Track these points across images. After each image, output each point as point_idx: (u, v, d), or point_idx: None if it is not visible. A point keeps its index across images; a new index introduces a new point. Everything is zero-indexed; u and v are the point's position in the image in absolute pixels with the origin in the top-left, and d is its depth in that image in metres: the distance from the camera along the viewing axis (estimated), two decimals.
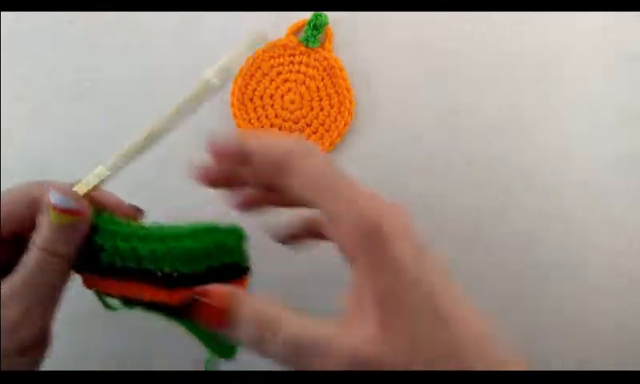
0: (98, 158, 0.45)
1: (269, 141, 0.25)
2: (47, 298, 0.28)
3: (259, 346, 0.23)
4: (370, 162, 0.45)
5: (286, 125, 0.45)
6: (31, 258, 0.27)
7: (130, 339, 0.43)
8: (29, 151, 0.45)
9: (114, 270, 0.29)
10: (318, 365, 0.22)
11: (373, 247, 0.22)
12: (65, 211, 0.27)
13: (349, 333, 0.22)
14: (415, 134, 0.45)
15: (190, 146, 0.45)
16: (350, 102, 0.45)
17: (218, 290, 0.23)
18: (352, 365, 0.21)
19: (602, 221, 0.45)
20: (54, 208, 0.27)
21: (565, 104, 0.46)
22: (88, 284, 0.30)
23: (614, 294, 0.44)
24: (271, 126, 0.45)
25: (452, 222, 0.44)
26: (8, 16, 0.46)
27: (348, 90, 0.45)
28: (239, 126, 0.44)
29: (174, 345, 0.42)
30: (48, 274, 0.27)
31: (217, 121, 0.45)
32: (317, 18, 0.44)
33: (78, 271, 0.30)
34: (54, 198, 0.27)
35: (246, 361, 0.43)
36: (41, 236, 0.27)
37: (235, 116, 0.44)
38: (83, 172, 0.44)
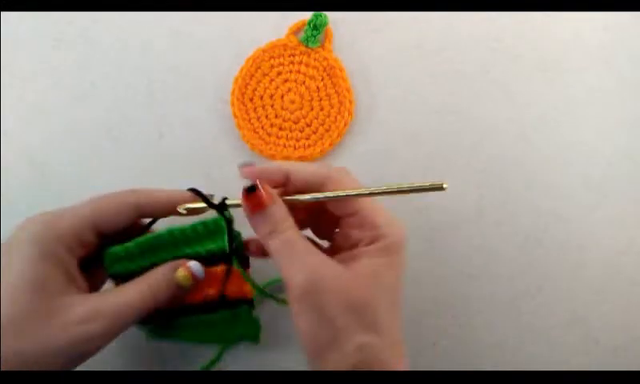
0: (99, 157, 0.45)
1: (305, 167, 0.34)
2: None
3: (268, 234, 0.32)
4: (370, 162, 0.45)
5: (286, 125, 0.45)
6: (137, 297, 0.34)
7: (131, 339, 0.43)
8: (29, 151, 0.45)
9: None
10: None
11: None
12: (194, 278, 0.35)
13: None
14: (415, 133, 0.45)
15: (192, 147, 0.45)
16: (350, 102, 0.45)
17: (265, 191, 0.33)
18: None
19: (602, 221, 0.45)
20: (189, 270, 0.35)
21: (565, 104, 0.46)
22: None
23: (614, 294, 0.44)
24: (271, 126, 0.45)
25: (451, 221, 0.44)
26: (8, 16, 0.46)
27: (348, 90, 0.45)
28: (239, 127, 0.44)
29: (174, 345, 0.42)
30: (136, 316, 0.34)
31: (217, 121, 0.45)
32: (317, 18, 0.44)
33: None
34: (194, 266, 0.35)
35: (247, 360, 0.43)
36: (157, 284, 0.35)
37: (235, 116, 0.44)
38: (83, 172, 0.45)
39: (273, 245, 0.32)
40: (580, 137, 0.45)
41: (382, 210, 0.33)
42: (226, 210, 0.36)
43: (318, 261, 0.31)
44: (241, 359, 0.42)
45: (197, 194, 0.37)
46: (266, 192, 0.32)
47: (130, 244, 0.36)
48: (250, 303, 0.38)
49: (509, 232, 0.44)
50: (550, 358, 0.43)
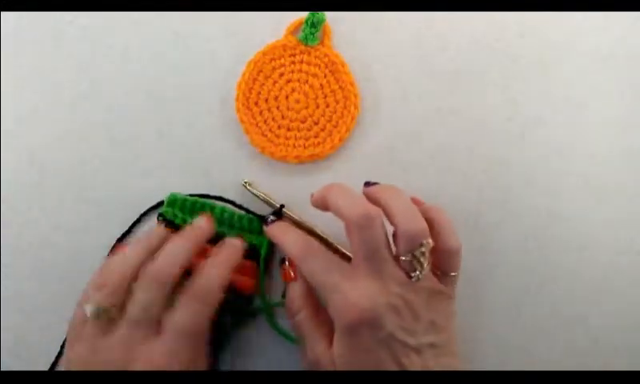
0: (98, 157, 0.45)
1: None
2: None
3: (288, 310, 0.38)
4: (381, 156, 0.45)
5: (294, 125, 0.45)
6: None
7: None
8: (29, 151, 0.45)
9: None
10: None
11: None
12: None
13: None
14: (415, 131, 0.45)
15: (192, 147, 0.45)
16: (355, 96, 0.44)
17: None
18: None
19: (602, 220, 0.45)
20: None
21: (564, 104, 0.46)
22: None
23: (614, 294, 0.44)
24: (279, 127, 0.45)
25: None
26: (8, 16, 0.46)
27: (352, 84, 0.44)
28: (247, 132, 0.44)
29: None
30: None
31: (217, 121, 0.45)
32: (314, 16, 0.44)
33: None
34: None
35: (247, 359, 0.43)
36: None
37: (242, 121, 0.44)
38: (83, 172, 0.45)
39: (291, 323, 0.37)
40: (580, 137, 0.45)
41: (335, 285, 0.34)
42: (282, 215, 0.41)
43: (320, 350, 0.35)
44: (241, 359, 0.42)
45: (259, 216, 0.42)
46: (288, 270, 0.38)
47: (190, 198, 0.42)
48: (247, 299, 0.42)
49: (509, 232, 0.44)
50: (550, 358, 0.43)
